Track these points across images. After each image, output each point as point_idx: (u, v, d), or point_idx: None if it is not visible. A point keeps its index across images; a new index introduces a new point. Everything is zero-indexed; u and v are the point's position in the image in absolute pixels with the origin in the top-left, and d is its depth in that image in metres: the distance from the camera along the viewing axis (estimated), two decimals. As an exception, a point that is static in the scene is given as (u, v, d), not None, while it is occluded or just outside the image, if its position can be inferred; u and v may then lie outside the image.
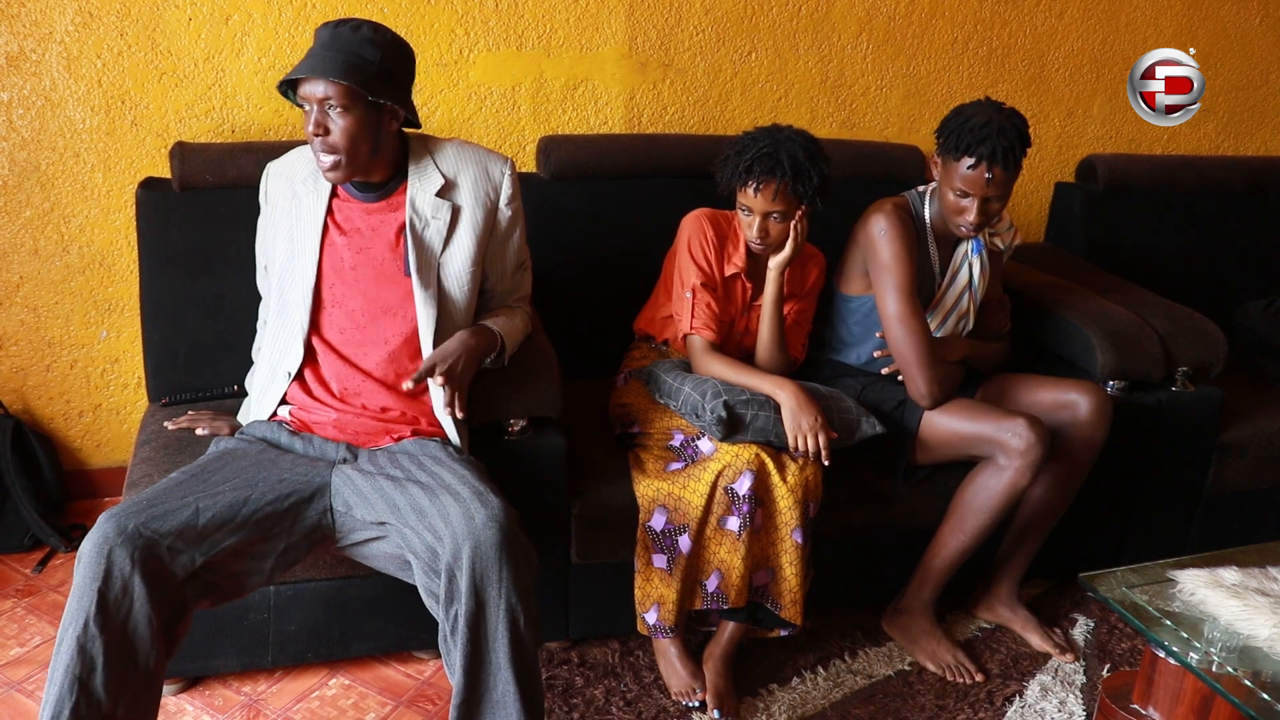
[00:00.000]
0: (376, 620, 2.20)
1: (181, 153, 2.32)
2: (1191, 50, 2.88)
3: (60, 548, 2.60)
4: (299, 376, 1.99)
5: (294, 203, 2.02)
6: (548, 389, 2.12)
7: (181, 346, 2.34)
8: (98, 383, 2.76)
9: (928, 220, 2.34)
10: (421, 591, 1.77)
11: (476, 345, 1.99)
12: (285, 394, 1.99)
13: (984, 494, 2.22)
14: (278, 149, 2.44)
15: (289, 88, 1.89)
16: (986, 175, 2.14)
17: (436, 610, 1.74)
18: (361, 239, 1.99)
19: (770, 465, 2.09)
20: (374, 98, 1.84)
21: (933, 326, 2.36)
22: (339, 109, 1.84)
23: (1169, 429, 2.52)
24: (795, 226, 2.18)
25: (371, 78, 1.84)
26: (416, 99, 2.67)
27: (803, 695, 2.24)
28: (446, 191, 2.02)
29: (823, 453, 2.09)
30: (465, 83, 2.72)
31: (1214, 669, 1.63)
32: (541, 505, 2.09)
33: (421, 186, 2.00)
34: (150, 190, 2.33)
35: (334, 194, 2.01)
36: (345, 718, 2.14)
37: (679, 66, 2.86)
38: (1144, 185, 3.10)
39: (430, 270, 1.99)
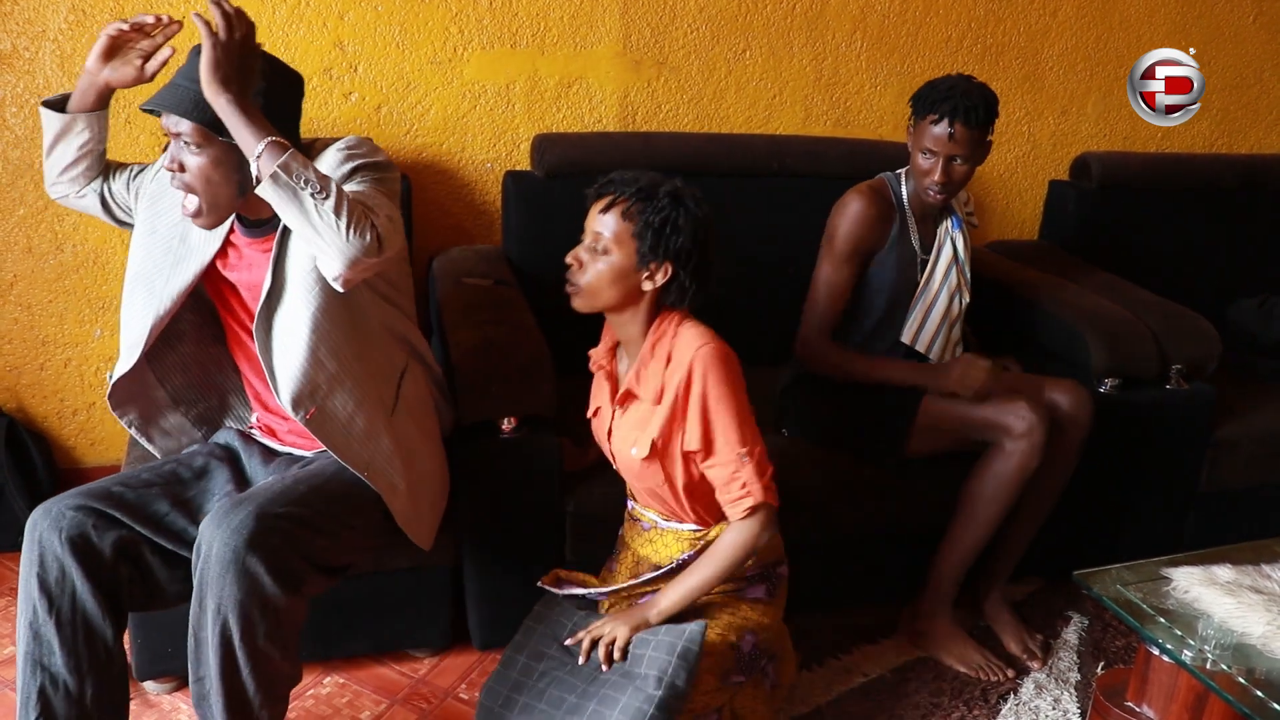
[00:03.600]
0: (371, 619, 2.20)
1: (175, 151, 2.31)
2: (1192, 50, 2.88)
3: (54, 547, 2.60)
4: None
5: (182, 224, 1.86)
6: (541, 387, 2.12)
7: (175, 345, 2.33)
8: (92, 381, 2.75)
9: (905, 198, 2.37)
10: None
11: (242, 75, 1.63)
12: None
13: (995, 481, 2.22)
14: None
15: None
16: (949, 131, 2.19)
17: None
18: (246, 280, 1.85)
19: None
20: (226, 139, 1.66)
21: (927, 304, 2.37)
22: (193, 146, 1.69)
23: (1163, 426, 2.53)
24: None
25: None
26: (411, 97, 2.69)
27: (799, 692, 2.24)
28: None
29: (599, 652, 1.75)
30: (459, 81, 2.71)
31: (1208, 666, 1.63)
32: (535, 504, 2.09)
33: None
34: (144, 188, 2.33)
35: (232, 229, 1.84)
36: (340, 716, 2.14)
37: (673, 65, 2.85)
38: (1138, 183, 3.11)
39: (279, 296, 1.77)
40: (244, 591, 1.61)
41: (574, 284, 1.76)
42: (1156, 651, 1.72)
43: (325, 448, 1.80)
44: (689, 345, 1.75)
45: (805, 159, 2.80)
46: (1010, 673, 2.32)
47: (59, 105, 1.85)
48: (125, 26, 1.74)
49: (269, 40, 2.53)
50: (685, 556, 1.85)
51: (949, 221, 2.40)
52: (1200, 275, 3.15)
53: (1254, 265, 3.24)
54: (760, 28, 2.89)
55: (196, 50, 1.66)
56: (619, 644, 1.73)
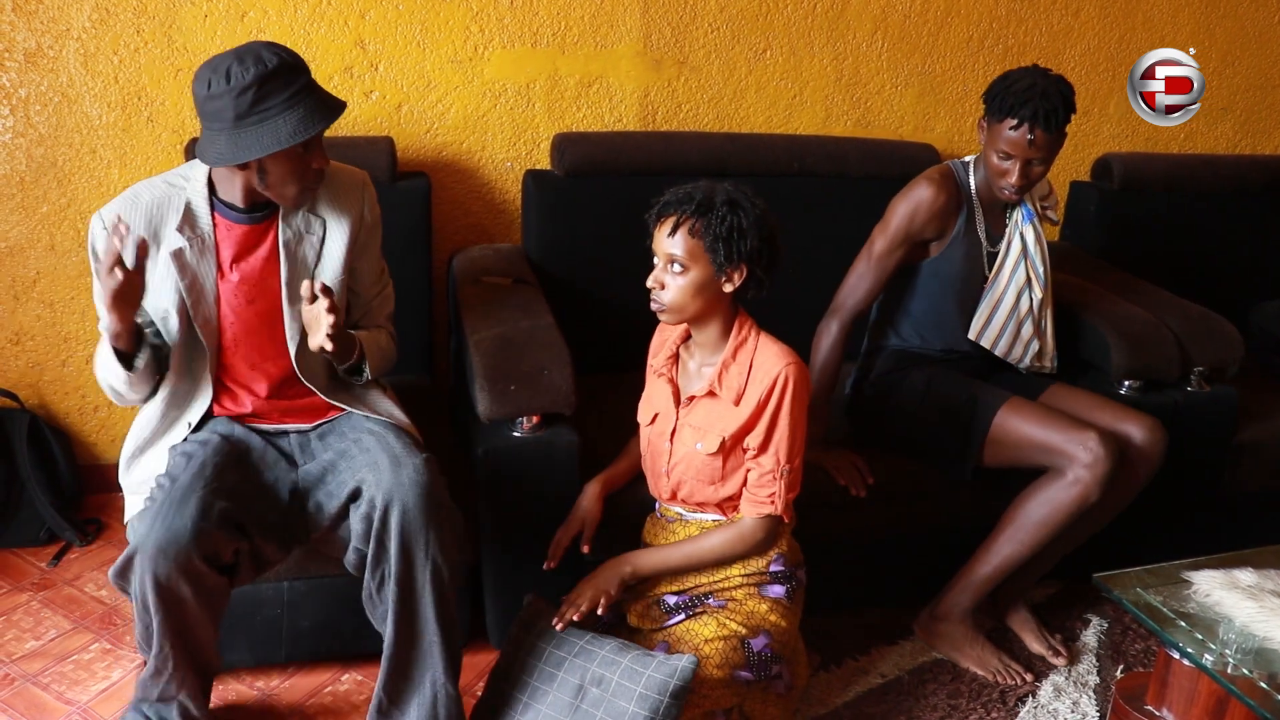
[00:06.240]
0: (389, 616, 2.21)
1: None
2: (1191, 50, 2.86)
3: (75, 541, 2.62)
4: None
5: (162, 254, 1.87)
6: (561, 385, 2.12)
7: (196, 342, 2.35)
8: (113, 378, 2.77)
9: (973, 187, 2.33)
10: (354, 535, 1.85)
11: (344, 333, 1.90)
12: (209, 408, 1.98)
13: (1049, 507, 2.17)
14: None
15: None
16: (1029, 137, 2.16)
17: (362, 569, 1.86)
18: (250, 268, 1.92)
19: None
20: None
21: (994, 299, 2.34)
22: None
23: (1184, 429, 2.50)
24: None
25: None
26: (431, 95, 2.70)
27: (816, 693, 2.23)
28: (315, 206, 1.95)
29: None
30: (480, 80, 2.72)
31: (1229, 671, 1.63)
32: (554, 502, 2.09)
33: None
34: (166, 186, 2.34)
35: (215, 226, 1.90)
36: (358, 713, 2.14)
37: (693, 64, 2.85)
38: (1160, 184, 3.09)
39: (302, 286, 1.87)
40: (444, 528, 1.82)
41: (660, 303, 1.87)
42: (1177, 655, 1.71)
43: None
44: (776, 359, 1.88)
45: (826, 159, 2.80)
46: (1029, 676, 2.31)
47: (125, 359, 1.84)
48: (114, 275, 1.67)
49: (290, 39, 2.55)
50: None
51: (1019, 213, 2.34)
52: (1223, 277, 3.13)
53: (1277, 267, 3.21)
54: (781, 27, 2.88)
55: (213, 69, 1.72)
56: (601, 606, 1.89)
